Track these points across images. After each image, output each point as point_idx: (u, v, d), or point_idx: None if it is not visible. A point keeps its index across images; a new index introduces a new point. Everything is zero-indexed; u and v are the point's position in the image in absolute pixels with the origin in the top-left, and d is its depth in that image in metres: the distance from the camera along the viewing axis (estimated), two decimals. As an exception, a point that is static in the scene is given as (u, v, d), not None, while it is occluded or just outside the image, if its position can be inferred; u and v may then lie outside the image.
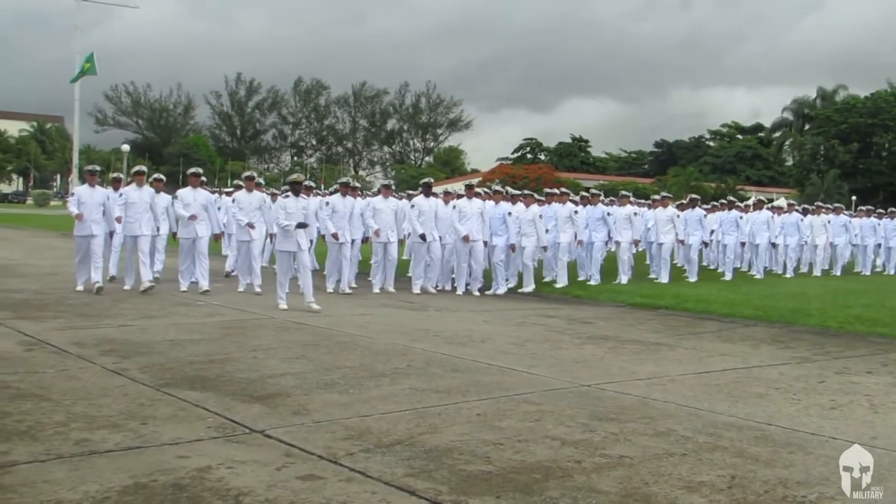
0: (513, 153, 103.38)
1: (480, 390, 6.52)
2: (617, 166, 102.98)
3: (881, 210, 22.77)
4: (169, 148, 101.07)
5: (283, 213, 11.39)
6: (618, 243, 15.97)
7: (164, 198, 13.32)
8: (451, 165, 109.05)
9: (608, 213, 15.74)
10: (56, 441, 4.83)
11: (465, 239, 13.76)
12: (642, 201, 18.76)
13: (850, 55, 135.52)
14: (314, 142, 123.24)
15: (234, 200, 13.81)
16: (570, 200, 15.61)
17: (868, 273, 20.92)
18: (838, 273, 20.08)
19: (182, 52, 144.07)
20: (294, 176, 12.10)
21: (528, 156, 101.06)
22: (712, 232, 18.20)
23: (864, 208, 23.64)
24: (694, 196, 18.53)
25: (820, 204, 21.79)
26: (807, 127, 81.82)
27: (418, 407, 5.89)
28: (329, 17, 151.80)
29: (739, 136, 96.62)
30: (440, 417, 5.63)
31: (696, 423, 5.65)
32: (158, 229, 13.35)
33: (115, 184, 14.39)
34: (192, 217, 12.79)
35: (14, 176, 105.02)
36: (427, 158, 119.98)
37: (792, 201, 21.69)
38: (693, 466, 4.69)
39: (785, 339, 9.67)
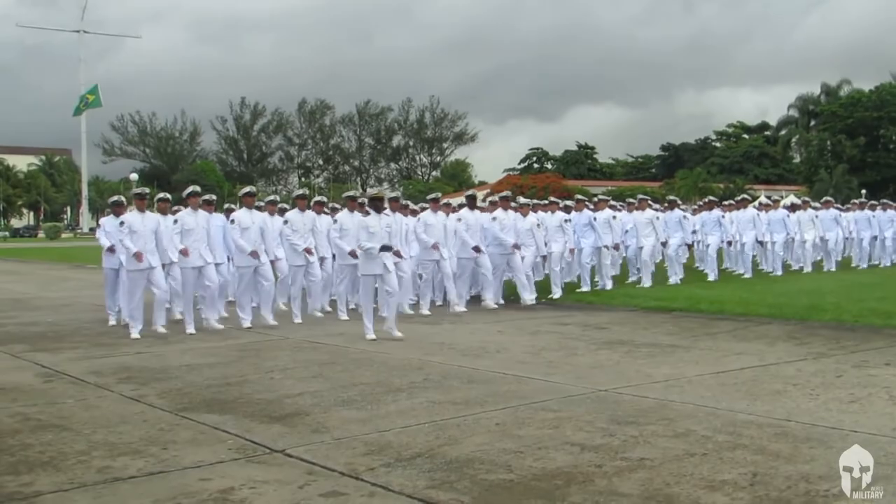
0: (519, 163, 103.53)
1: (498, 400, 6.53)
2: (624, 171, 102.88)
3: (874, 202, 22.43)
4: (177, 175, 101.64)
5: (365, 233, 10.16)
6: (599, 249, 15.67)
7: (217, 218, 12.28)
8: (458, 179, 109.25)
9: (594, 218, 15.58)
10: (78, 470, 4.87)
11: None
12: (623, 204, 18.43)
13: (855, 49, 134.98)
14: (321, 161, 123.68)
15: (285, 222, 13.06)
16: (560, 209, 15.42)
17: (864, 266, 20.50)
18: (832, 268, 19.60)
19: (187, 78, 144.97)
20: (375, 191, 11.03)
21: (535, 165, 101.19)
22: (694, 232, 18.12)
23: (856, 201, 23.25)
24: (672, 198, 18.63)
25: (807, 199, 21.54)
26: (812, 123, 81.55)
27: (437, 419, 5.91)
28: (334, 37, 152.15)
29: (745, 136, 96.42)
30: (459, 429, 5.64)
31: (715, 422, 5.64)
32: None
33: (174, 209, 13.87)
34: (254, 253, 11.67)
35: (24, 210, 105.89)
36: (434, 173, 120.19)
37: (778, 197, 21.40)
38: (714, 465, 4.69)
39: (800, 336, 9.63)
